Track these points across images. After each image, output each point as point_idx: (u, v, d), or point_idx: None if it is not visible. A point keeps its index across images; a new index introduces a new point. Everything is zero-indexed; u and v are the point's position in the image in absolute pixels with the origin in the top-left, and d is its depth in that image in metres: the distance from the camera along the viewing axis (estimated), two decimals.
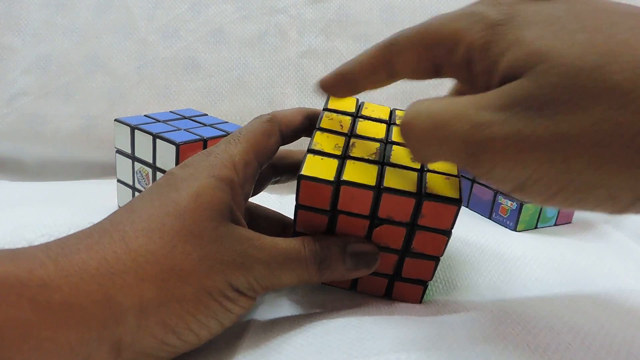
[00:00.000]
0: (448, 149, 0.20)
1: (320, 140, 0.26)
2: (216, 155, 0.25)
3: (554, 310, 0.26)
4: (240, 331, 0.26)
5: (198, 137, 0.37)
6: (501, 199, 0.42)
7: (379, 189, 0.24)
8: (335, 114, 0.29)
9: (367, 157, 0.26)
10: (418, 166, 0.26)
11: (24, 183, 0.50)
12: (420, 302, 0.28)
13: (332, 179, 0.24)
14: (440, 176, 0.26)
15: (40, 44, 0.55)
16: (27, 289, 0.18)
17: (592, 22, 0.18)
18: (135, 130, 0.38)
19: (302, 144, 0.29)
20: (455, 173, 0.26)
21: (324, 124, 0.28)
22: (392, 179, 0.25)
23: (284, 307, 0.28)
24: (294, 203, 0.26)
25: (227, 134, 0.38)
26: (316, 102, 0.55)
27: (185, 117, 0.42)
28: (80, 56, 0.55)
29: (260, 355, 0.23)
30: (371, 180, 0.24)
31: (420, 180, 0.25)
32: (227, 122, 0.42)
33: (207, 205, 0.23)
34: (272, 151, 0.27)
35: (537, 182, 0.18)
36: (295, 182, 0.25)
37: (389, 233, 0.26)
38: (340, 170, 0.25)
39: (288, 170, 0.31)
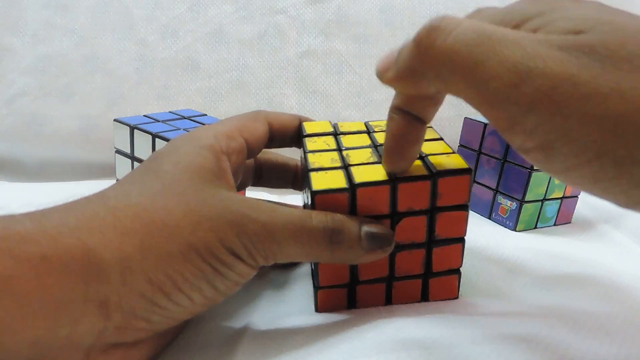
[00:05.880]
0: (488, 71, 0.17)
1: (315, 160, 0.26)
2: (196, 131, 0.25)
3: (554, 310, 0.26)
4: (240, 329, 0.25)
5: None
6: (501, 199, 0.42)
7: (394, 181, 0.24)
8: (316, 137, 0.29)
9: (366, 162, 0.26)
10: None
11: (23, 184, 0.49)
12: (458, 295, 0.28)
13: (345, 185, 0.24)
14: (441, 156, 0.26)
15: (40, 44, 0.55)
16: (5, 242, 0.18)
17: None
18: (135, 130, 0.38)
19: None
20: (452, 151, 0.27)
21: (310, 147, 0.28)
22: None
23: (284, 306, 0.28)
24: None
25: None
26: (315, 102, 0.55)
27: (184, 117, 0.42)
28: (79, 57, 0.55)
29: (261, 354, 0.23)
30: (383, 176, 0.24)
31: (426, 164, 0.25)
32: None
33: (188, 169, 0.22)
34: (258, 131, 0.27)
35: (571, 143, 0.16)
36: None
37: (411, 226, 0.25)
38: (349, 177, 0.25)
39: (270, 166, 0.32)
